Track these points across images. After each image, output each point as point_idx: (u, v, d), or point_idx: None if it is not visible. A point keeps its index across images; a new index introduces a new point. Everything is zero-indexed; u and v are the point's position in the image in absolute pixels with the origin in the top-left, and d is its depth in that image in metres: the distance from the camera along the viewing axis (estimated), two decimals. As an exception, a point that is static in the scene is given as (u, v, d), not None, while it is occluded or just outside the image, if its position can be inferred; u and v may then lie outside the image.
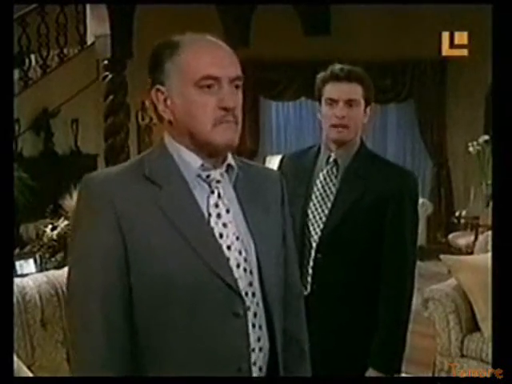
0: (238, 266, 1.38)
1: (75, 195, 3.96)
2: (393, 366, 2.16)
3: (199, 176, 1.38)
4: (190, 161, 1.37)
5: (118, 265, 1.31)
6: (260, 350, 1.41)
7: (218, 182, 1.39)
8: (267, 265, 1.42)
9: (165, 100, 1.36)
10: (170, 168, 1.37)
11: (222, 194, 1.40)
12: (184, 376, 1.35)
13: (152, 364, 1.34)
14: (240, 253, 1.39)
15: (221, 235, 1.37)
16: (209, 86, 1.33)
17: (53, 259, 3.70)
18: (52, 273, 2.51)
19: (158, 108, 1.38)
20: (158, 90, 1.37)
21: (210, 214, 1.37)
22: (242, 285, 1.37)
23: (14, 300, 2.22)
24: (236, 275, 1.36)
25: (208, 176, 1.38)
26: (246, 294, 1.38)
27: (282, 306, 1.48)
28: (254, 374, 1.40)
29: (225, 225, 1.38)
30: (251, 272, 1.40)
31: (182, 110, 1.35)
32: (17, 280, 2.36)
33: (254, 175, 1.49)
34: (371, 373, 2.12)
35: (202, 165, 1.37)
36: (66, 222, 3.81)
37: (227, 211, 1.40)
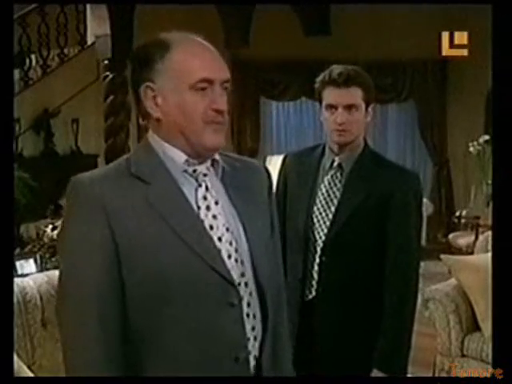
0: (230, 256, 1.39)
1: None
2: (398, 368, 2.15)
3: (185, 171, 1.40)
4: (174, 157, 1.40)
5: (109, 262, 1.33)
6: (255, 338, 1.42)
7: (205, 175, 1.42)
8: (258, 255, 1.44)
9: (154, 97, 1.38)
10: (156, 165, 1.39)
11: (209, 187, 1.42)
12: (184, 376, 1.35)
13: (149, 359, 1.35)
14: (231, 244, 1.40)
15: (211, 227, 1.39)
16: (203, 88, 1.36)
17: (53, 259, 3.70)
18: (52, 273, 2.50)
19: (145, 104, 1.39)
20: (147, 86, 1.38)
21: (199, 207, 1.39)
22: (235, 275, 1.39)
23: (15, 300, 2.22)
24: (228, 266, 1.38)
25: (194, 171, 1.41)
26: (239, 284, 1.40)
27: (274, 295, 1.49)
28: (251, 364, 1.41)
29: (214, 216, 1.40)
30: (242, 262, 1.41)
31: (173, 109, 1.37)
32: (17, 280, 2.36)
33: (239, 168, 1.51)
34: (376, 374, 2.12)
35: (187, 160, 1.40)
36: (66, 222, 3.81)
37: (216, 203, 1.42)
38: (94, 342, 1.31)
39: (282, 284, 1.63)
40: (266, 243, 1.49)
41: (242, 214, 1.44)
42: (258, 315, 1.44)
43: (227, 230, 1.41)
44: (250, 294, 1.42)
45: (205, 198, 1.40)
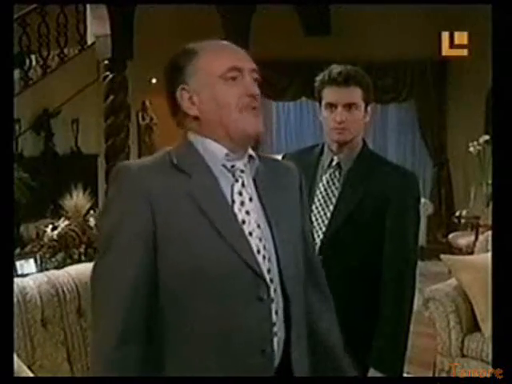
0: (259, 252, 1.43)
1: (75, 195, 3.98)
2: (394, 367, 2.15)
3: (224, 166, 1.45)
4: (215, 151, 1.45)
5: (147, 248, 1.36)
6: (276, 334, 1.45)
7: (242, 171, 1.47)
8: (285, 253, 1.47)
9: (190, 98, 1.44)
10: (196, 159, 1.44)
11: (245, 183, 1.47)
12: (184, 376, 1.36)
13: (179, 347, 1.38)
14: (260, 240, 1.44)
15: (243, 221, 1.43)
16: (233, 78, 1.43)
17: (53, 259, 3.70)
18: (52, 273, 2.50)
19: (183, 106, 1.45)
20: (182, 89, 1.45)
21: (233, 201, 1.44)
22: (264, 270, 1.42)
23: (15, 300, 2.21)
24: (258, 260, 1.42)
25: (233, 166, 1.45)
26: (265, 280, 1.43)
27: (301, 297, 1.52)
28: (276, 357, 1.44)
29: (247, 212, 1.45)
30: (269, 259, 1.45)
31: (209, 103, 1.43)
32: (17, 280, 2.36)
33: (272, 167, 1.56)
34: (372, 373, 2.12)
35: (227, 154, 1.44)
36: (66, 222, 3.81)
37: (250, 199, 1.46)
38: (123, 326, 1.34)
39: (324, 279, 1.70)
40: (295, 243, 1.53)
41: (270, 213, 1.48)
42: (281, 312, 1.46)
43: (258, 226, 1.45)
44: (275, 290, 1.45)
45: (240, 194, 1.45)
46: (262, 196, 1.49)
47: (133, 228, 1.37)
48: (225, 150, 1.44)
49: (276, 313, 1.45)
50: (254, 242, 1.43)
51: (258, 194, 1.49)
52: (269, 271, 1.44)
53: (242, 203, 1.45)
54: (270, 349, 1.42)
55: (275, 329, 1.44)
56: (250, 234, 1.43)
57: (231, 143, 1.44)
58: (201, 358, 1.38)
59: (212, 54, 1.46)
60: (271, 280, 1.44)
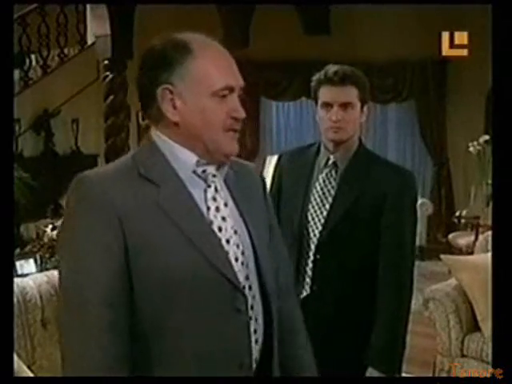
0: (237, 259, 1.38)
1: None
2: (392, 365, 2.15)
3: (194, 172, 1.38)
4: (184, 158, 1.38)
5: (119, 264, 1.29)
6: (256, 341, 1.42)
7: (214, 176, 1.40)
8: (262, 258, 1.44)
9: (171, 100, 1.35)
10: (163, 166, 1.37)
11: (218, 188, 1.41)
12: (184, 376, 1.34)
13: (155, 361, 1.33)
14: (238, 246, 1.40)
15: (219, 229, 1.38)
16: (223, 96, 1.36)
17: (53, 259, 3.70)
18: (52, 272, 2.50)
19: (162, 107, 1.36)
20: (166, 88, 1.35)
21: (208, 208, 1.38)
22: (241, 278, 1.38)
23: (15, 300, 2.22)
24: (235, 269, 1.37)
25: (204, 171, 1.39)
26: (244, 287, 1.39)
27: (276, 297, 1.49)
28: (253, 368, 1.41)
29: (224, 218, 1.39)
30: (248, 265, 1.41)
31: (193, 114, 1.35)
32: (17, 280, 2.36)
33: (238, 171, 1.50)
34: (371, 372, 2.12)
35: (198, 161, 1.38)
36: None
37: (225, 205, 1.41)
38: (100, 345, 1.27)
39: (291, 286, 1.66)
40: (268, 245, 1.49)
41: (246, 216, 1.44)
42: (260, 318, 1.43)
43: (235, 232, 1.40)
44: (254, 297, 1.41)
45: (214, 199, 1.39)
46: (237, 199, 1.44)
47: (101, 245, 1.29)
48: (195, 158, 1.38)
49: (256, 320, 1.42)
50: (231, 250, 1.37)
51: (233, 197, 1.44)
52: (247, 277, 1.40)
53: (217, 209, 1.39)
54: (248, 361, 1.39)
55: (254, 336, 1.41)
56: (228, 241, 1.38)
57: (204, 156, 1.38)
58: (179, 373, 1.33)
59: (210, 61, 1.36)
60: (250, 287, 1.40)
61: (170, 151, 1.38)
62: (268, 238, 1.52)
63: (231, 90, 1.37)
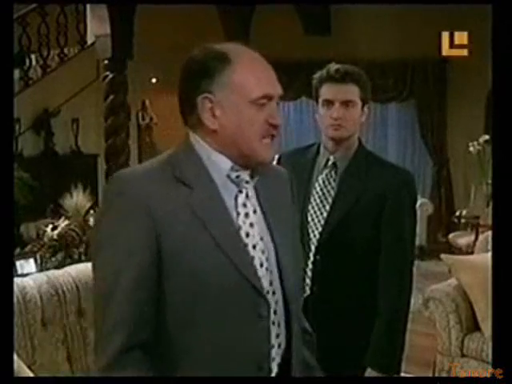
0: (262, 265, 1.41)
1: (75, 195, 3.98)
2: (391, 366, 2.16)
3: (228, 176, 1.41)
4: (219, 162, 1.41)
5: (151, 266, 1.32)
6: (278, 346, 1.44)
7: (247, 182, 1.43)
8: (286, 264, 1.46)
9: (211, 109, 1.38)
10: (199, 169, 1.39)
11: (249, 195, 1.44)
12: (184, 376, 1.35)
13: (179, 359, 1.35)
14: (263, 252, 1.42)
15: (247, 234, 1.41)
16: (262, 104, 1.38)
17: (53, 259, 3.70)
18: (52, 272, 2.50)
19: (202, 116, 1.38)
20: (206, 97, 1.37)
21: (238, 213, 1.41)
22: (265, 284, 1.41)
23: (15, 300, 2.21)
24: (260, 274, 1.40)
25: (237, 176, 1.42)
26: (268, 292, 1.41)
27: (300, 303, 1.53)
28: (273, 371, 1.43)
29: (251, 224, 1.42)
30: (272, 271, 1.43)
31: (232, 122, 1.38)
32: (17, 280, 2.36)
33: (268, 175, 1.51)
34: (370, 372, 2.12)
35: (232, 166, 1.41)
36: (66, 222, 3.82)
37: (254, 211, 1.44)
38: (128, 337, 1.31)
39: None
40: (292, 251, 1.51)
41: (271, 221, 1.46)
42: (283, 323, 1.45)
43: (261, 238, 1.43)
44: (277, 302, 1.43)
45: (244, 205, 1.42)
46: (263, 206, 1.46)
47: (135, 244, 1.32)
48: (230, 163, 1.41)
49: (279, 325, 1.44)
50: (257, 255, 1.41)
51: (260, 204, 1.46)
52: (271, 283, 1.42)
53: (247, 215, 1.42)
54: (266, 365, 1.41)
55: (277, 341, 1.43)
56: (254, 247, 1.41)
57: (239, 162, 1.41)
58: (197, 372, 1.35)
59: (249, 70, 1.39)
60: (273, 292, 1.42)
61: (207, 155, 1.41)
62: (293, 244, 1.53)
63: (270, 98, 1.39)
